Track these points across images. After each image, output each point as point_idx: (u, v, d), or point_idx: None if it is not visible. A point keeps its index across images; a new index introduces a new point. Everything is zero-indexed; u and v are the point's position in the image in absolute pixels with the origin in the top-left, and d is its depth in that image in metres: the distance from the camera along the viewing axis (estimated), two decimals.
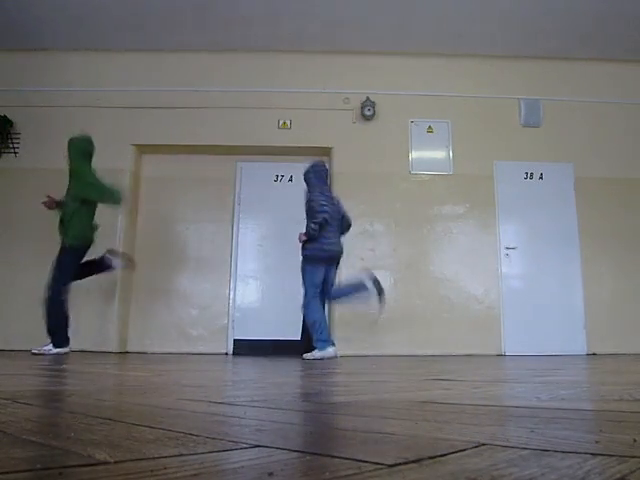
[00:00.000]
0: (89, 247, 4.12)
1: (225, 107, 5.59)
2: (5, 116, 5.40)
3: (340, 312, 5.24)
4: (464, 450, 0.58)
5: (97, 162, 5.40)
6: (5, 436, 0.65)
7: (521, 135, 5.66)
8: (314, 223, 4.05)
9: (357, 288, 4.16)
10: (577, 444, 0.61)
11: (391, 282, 5.19)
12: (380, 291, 4.09)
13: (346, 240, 5.14)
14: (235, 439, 0.65)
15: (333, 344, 4.08)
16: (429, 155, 5.65)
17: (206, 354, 5.02)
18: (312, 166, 4.34)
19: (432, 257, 5.40)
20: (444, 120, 5.66)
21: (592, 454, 0.55)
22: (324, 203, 4.12)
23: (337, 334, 5.21)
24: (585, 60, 5.79)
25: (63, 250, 4.02)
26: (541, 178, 5.59)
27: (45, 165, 5.44)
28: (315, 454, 0.58)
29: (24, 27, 5.33)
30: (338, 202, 4.36)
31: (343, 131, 5.61)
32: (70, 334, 4.06)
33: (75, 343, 5.00)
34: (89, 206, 4.12)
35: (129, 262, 4.49)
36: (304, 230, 4.13)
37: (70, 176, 4.18)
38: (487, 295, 5.34)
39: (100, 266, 4.22)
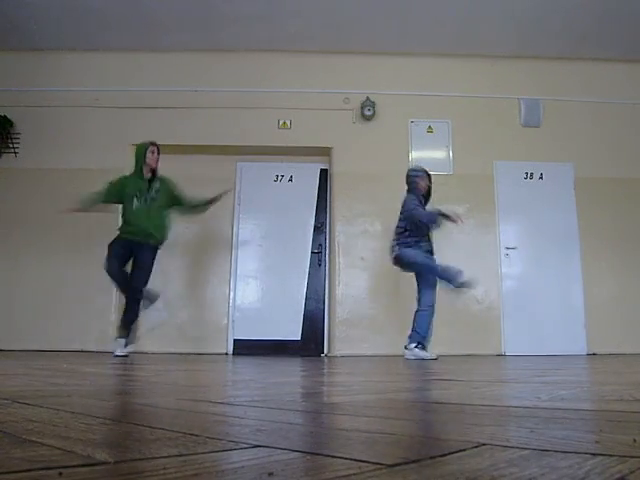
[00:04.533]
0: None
1: (225, 107, 5.59)
2: (5, 116, 5.40)
3: (341, 312, 5.24)
4: (464, 450, 0.58)
5: (97, 162, 5.44)
6: (5, 436, 0.65)
7: (521, 135, 5.66)
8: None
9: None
10: (577, 444, 0.61)
11: (391, 282, 5.18)
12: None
13: (345, 240, 5.14)
14: (235, 439, 0.64)
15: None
16: (429, 155, 5.65)
17: (206, 354, 5.02)
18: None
19: None
20: (444, 120, 5.65)
21: (592, 454, 0.55)
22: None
23: (337, 334, 5.22)
24: (585, 60, 5.79)
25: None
26: (541, 178, 5.59)
27: (45, 165, 5.45)
28: (315, 454, 0.58)
29: (24, 27, 5.32)
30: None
31: (343, 131, 5.60)
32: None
33: (75, 343, 5.02)
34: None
35: None
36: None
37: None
38: (487, 295, 5.33)
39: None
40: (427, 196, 4.46)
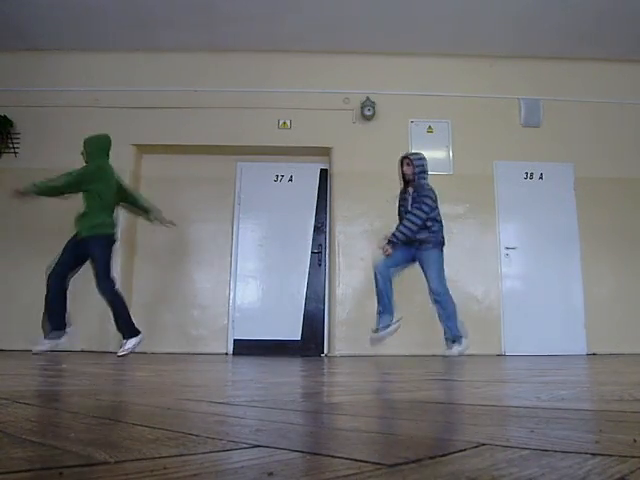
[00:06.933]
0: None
1: (225, 107, 5.59)
2: (5, 116, 5.40)
3: (341, 312, 5.24)
4: (464, 450, 0.58)
5: None
6: (5, 436, 0.65)
7: (521, 135, 5.66)
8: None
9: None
10: (577, 444, 0.61)
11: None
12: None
13: (345, 240, 5.13)
14: (235, 439, 0.64)
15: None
16: (429, 155, 5.60)
17: (206, 354, 5.02)
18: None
19: None
20: (444, 120, 5.65)
21: (592, 454, 0.55)
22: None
23: (337, 334, 5.22)
24: (585, 60, 5.79)
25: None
26: (541, 178, 5.59)
27: (45, 165, 5.43)
28: (315, 454, 0.58)
29: (24, 27, 5.33)
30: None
31: (343, 131, 5.60)
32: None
33: (75, 343, 5.01)
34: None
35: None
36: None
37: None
38: (487, 295, 5.33)
39: None
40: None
